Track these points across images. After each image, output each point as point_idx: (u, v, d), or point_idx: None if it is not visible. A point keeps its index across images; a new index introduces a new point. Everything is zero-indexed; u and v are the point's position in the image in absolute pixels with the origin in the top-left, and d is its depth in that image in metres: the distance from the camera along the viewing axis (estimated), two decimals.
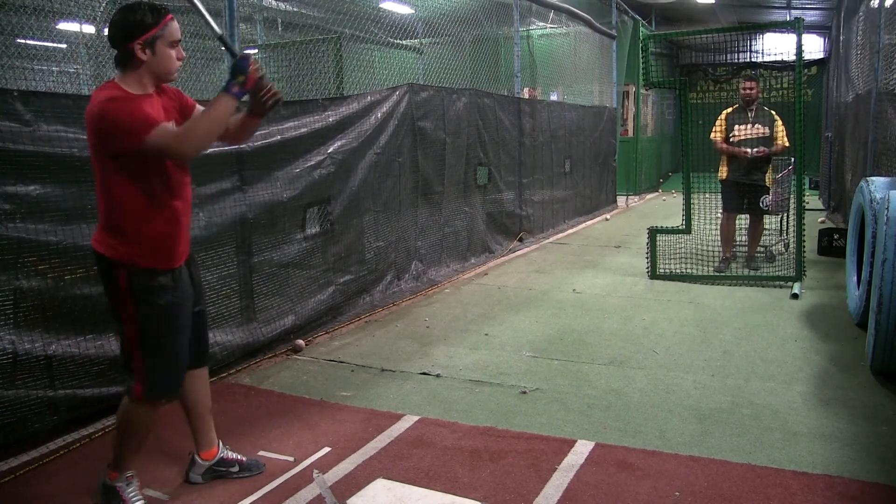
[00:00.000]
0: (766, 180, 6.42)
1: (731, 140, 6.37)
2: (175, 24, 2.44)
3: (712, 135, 6.47)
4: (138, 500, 2.59)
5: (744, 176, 6.36)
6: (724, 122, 6.47)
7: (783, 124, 6.31)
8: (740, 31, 7.12)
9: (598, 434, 3.21)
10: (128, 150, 2.31)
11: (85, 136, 3.17)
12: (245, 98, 2.53)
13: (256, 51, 7.05)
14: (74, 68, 4.72)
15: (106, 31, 2.46)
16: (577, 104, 10.12)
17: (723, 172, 6.53)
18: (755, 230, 6.60)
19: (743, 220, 6.66)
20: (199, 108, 2.64)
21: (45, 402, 3.12)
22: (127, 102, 2.32)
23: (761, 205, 6.36)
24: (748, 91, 6.37)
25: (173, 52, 2.45)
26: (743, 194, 6.41)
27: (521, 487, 2.74)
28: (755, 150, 6.23)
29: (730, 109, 6.57)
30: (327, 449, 3.09)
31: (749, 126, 6.34)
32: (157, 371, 2.50)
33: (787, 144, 6.28)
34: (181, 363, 2.58)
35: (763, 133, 6.31)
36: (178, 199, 2.50)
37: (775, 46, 14.38)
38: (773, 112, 6.42)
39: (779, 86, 16.28)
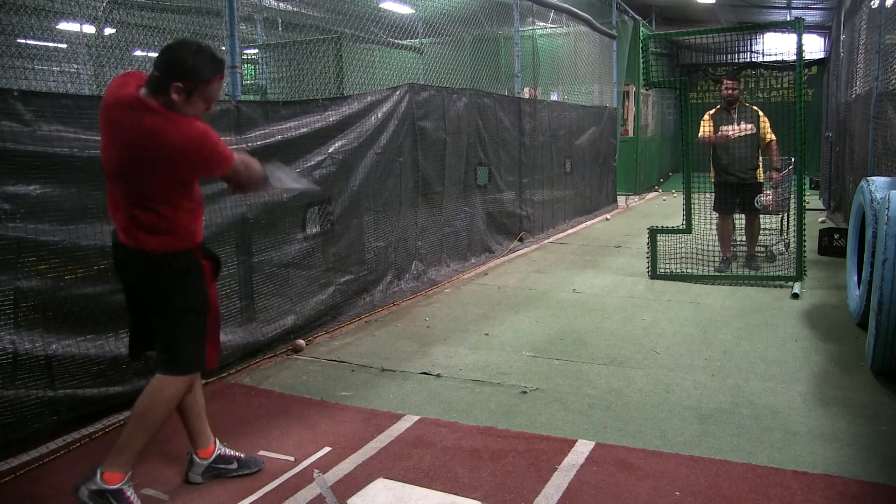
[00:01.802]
0: (758, 176, 6.42)
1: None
2: (221, 85, 2.45)
3: (700, 134, 6.43)
4: (138, 502, 2.58)
5: (731, 175, 6.35)
6: (710, 122, 6.44)
7: (767, 119, 6.36)
8: (740, 31, 7.14)
9: (598, 434, 3.21)
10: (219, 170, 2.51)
11: (85, 137, 3.19)
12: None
13: (256, 50, 7.06)
14: (75, 68, 4.72)
15: (155, 55, 2.49)
16: (578, 104, 10.12)
17: (713, 174, 6.54)
18: (752, 228, 6.59)
19: (740, 220, 6.66)
20: None
21: (45, 402, 3.12)
22: (197, 122, 2.42)
23: (756, 204, 6.36)
24: (729, 91, 6.37)
25: (203, 107, 2.47)
26: (735, 193, 6.40)
27: (521, 487, 2.74)
28: (747, 126, 6.23)
29: (712, 111, 6.55)
30: (327, 449, 3.09)
31: (735, 125, 6.34)
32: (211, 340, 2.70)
33: (773, 137, 6.32)
34: None
35: (750, 130, 6.32)
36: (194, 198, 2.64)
37: (775, 46, 14.39)
38: (757, 109, 6.44)
39: (779, 86, 16.29)
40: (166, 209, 2.48)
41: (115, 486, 2.51)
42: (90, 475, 2.54)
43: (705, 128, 6.44)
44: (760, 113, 6.40)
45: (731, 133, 6.32)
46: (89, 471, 2.55)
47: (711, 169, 6.54)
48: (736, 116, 6.36)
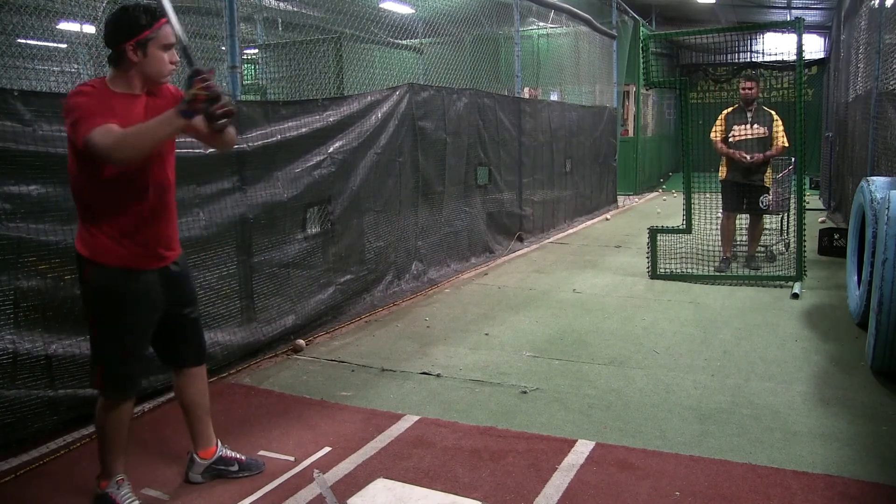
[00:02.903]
0: (766, 180, 6.43)
1: (729, 140, 6.36)
2: (168, 28, 2.42)
3: (712, 134, 6.47)
4: (133, 501, 2.58)
5: (743, 177, 6.36)
6: (723, 122, 6.46)
7: (783, 124, 6.31)
8: (740, 31, 7.13)
9: (598, 434, 3.21)
10: (76, 146, 2.34)
11: None
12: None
13: (256, 50, 7.06)
14: (75, 68, 4.72)
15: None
16: (578, 104, 10.13)
17: (722, 172, 6.54)
18: (755, 230, 6.60)
19: (743, 220, 6.67)
20: None
21: (45, 402, 3.12)
22: (88, 97, 2.33)
23: (760, 204, 6.36)
24: (748, 91, 6.36)
25: (166, 56, 2.46)
26: (742, 194, 6.41)
27: (521, 487, 2.74)
28: (751, 157, 6.21)
29: (729, 109, 6.56)
30: (328, 449, 3.09)
31: (748, 126, 6.33)
32: (111, 366, 2.55)
33: (786, 145, 6.28)
34: (134, 366, 2.61)
35: (762, 133, 6.30)
36: (141, 202, 2.48)
37: (775, 46, 14.38)
38: (773, 112, 6.41)
39: (779, 86, 16.29)
40: (84, 208, 2.47)
41: (103, 491, 2.60)
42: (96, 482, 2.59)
43: (719, 128, 6.42)
44: (775, 115, 6.37)
45: (740, 135, 6.31)
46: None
47: (722, 167, 6.52)
48: (751, 117, 6.36)
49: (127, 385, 2.59)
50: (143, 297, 2.52)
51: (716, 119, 6.55)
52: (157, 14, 2.43)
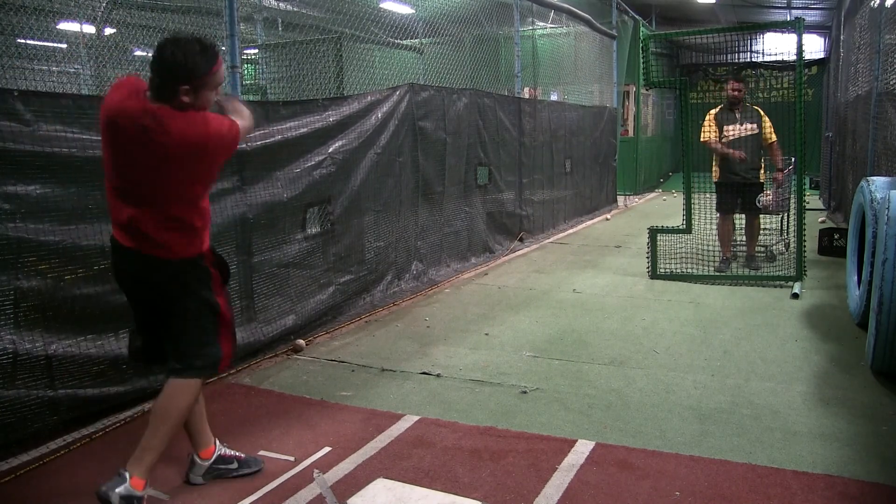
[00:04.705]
0: (760, 176, 6.43)
1: (722, 141, 6.35)
2: (223, 69, 2.47)
3: (704, 136, 6.41)
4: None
5: (737, 175, 6.35)
6: (713, 122, 6.43)
7: (768, 119, 6.38)
8: (740, 31, 7.13)
9: (598, 434, 3.21)
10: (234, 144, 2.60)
11: (85, 137, 3.19)
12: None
13: (256, 50, 7.05)
14: (75, 68, 4.72)
15: (151, 58, 2.47)
16: (578, 104, 10.12)
17: (716, 173, 6.50)
18: (752, 229, 6.59)
19: (739, 220, 6.65)
20: None
21: (45, 402, 3.11)
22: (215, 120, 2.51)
23: (757, 203, 6.36)
24: (737, 92, 6.38)
25: (213, 95, 2.49)
26: (738, 193, 6.40)
27: (521, 487, 2.74)
28: (750, 126, 6.24)
29: (716, 110, 6.53)
30: (327, 449, 3.09)
31: (738, 125, 6.35)
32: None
33: (774, 139, 6.34)
34: None
35: (754, 130, 6.33)
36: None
37: (775, 46, 14.39)
38: (758, 108, 6.46)
39: (779, 86, 16.29)
40: (188, 212, 2.55)
41: (141, 493, 2.51)
42: (117, 479, 2.48)
43: (709, 128, 6.41)
44: (762, 112, 6.41)
45: (733, 135, 6.32)
46: (115, 475, 2.50)
47: (715, 168, 6.52)
48: (739, 116, 6.37)
49: (221, 356, 2.72)
50: None
51: (702, 120, 6.50)
52: (215, 54, 2.44)
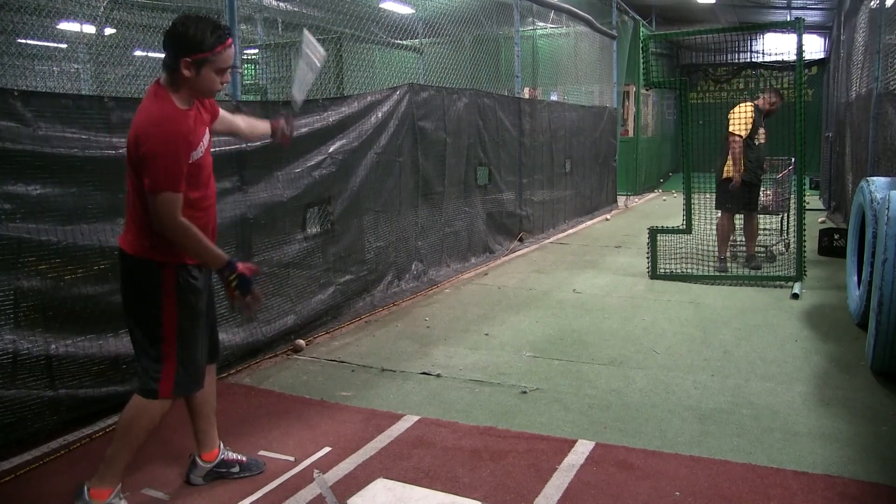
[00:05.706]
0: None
1: (754, 142, 6.32)
2: (230, 52, 2.42)
3: (738, 128, 6.19)
4: None
5: (756, 177, 6.38)
6: (751, 120, 6.24)
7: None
8: (740, 31, 7.13)
9: (598, 434, 3.21)
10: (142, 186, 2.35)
11: (85, 137, 3.19)
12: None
13: (256, 50, 7.05)
14: (75, 68, 4.72)
15: (162, 39, 2.44)
16: (578, 104, 10.12)
17: (730, 171, 6.29)
18: (750, 228, 6.58)
19: (739, 219, 6.64)
20: (223, 113, 2.72)
21: (45, 402, 3.12)
22: (172, 142, 2.32)
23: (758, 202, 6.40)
24: (773, 107, 6.40)
25: (218, 77, 2.44)
26: (746, 193, 6.38)
27: (521, 487, 2.74)
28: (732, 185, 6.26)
29: (751, 106, 6.34)
30: (328, 449, 3.09)
31: (763, 131, 6.40)
32: (189, 365, 2.55)
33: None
34: (204, 357, 2.66)
35: (765, 136, 6.42)
36: (204, 210, 2.56)
37: (775, 46, 14.39)
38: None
39: (779, 86, 16.29)
40: (145, 208, 2.41)
41: (104, 502, 2.49)
42: (78, 492, 2.49)
43: (747, 124, 6.23)
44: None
45: (762, 142, 6.44)
46: (76, 487, 2.51)
47: (727, 166, 6.31)
48: (765, 122, 6.47)
49: (201, 375, 2.63)
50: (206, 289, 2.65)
51: (736, 113, 6.27)
52: (225, 34, 2.40)
